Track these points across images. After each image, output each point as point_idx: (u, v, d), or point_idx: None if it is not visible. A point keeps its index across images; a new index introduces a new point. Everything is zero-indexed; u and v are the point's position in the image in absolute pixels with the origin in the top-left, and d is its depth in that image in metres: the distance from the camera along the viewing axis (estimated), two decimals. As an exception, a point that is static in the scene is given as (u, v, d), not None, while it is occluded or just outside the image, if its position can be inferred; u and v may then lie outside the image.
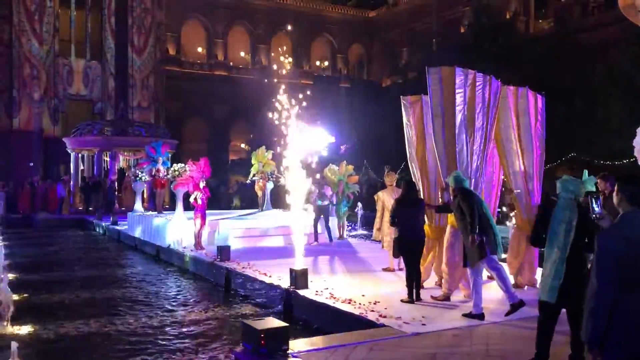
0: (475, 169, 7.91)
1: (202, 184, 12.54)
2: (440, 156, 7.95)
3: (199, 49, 40.68)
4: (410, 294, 7.57)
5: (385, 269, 10.02)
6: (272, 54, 42.16)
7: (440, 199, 8.00)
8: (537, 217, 5.44)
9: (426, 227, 8.43)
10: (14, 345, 5.56)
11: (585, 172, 5.20)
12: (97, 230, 20.33)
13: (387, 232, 9.63)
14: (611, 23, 23.31)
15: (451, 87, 7.91)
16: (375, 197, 10.40)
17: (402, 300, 7.48)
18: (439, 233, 8.33)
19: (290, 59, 43.39)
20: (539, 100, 9.21)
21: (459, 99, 7.86)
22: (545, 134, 9.20)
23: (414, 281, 7.62)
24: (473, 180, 7.80)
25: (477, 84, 7.99)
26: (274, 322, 5.54)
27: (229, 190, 29.18)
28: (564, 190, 4.82)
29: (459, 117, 7.84)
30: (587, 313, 3.11)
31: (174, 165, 15.04)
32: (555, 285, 4.64)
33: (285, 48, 40.73)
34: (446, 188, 7.40)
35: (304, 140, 9.26)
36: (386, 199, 9.77)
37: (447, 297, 7.69)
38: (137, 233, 16.02)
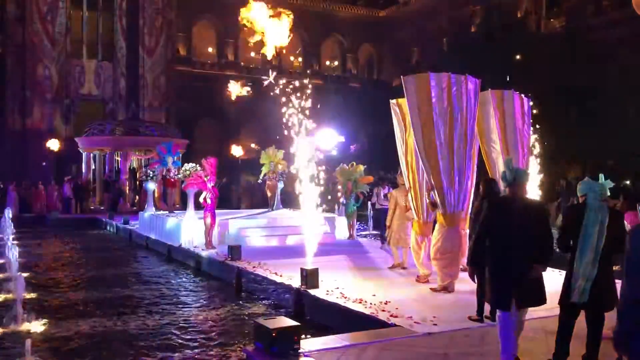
0: (458, 169, 8.17)
1: (210, 184, 12.59)
2: (424, 162, 8.24)
3: (210, 49, 40.81)
4: (480, 311, 6.64)
5: (391, 267, 10.17)
6: (282, 54, 42.18)
7: (427, 200, 8.56)
8: (566, 222, 5.25)
9: (415, 224, 8.97)
10: (27, 343, 5.63)
11: (601, 175, 5.16)
12: (109, 229, 20.47)
13: (395, 229, 9.94)
14: (624, 22, 23.10)
15: (426, 94, 8.12)
16: (389, 196, 10.70)
17: (469, 318, 6.64)
18: (428, 229, 8.70)
19: (300, 59, 43.51)
20: (525, 103, 9.40)
21: (434, 104, 8.07)
22: (530, 135, 9.47)
23: (484, 296, 6.59)
24: (457, 179, 8.14)
25: (453, 86, 8.16)
26: (285, 321, 5.55)
27: (239, 190, 29.24)
28: (591, 191, 4.82)
29: (437, 122, 8.07)
30: (618, 313, 3.15)
31: (185, 164, 15.11)
32: (587, 288, 4.68)
33: (295, 48, 40.80)
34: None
35: (313, 140, 9.28)
36: (399, 198, 9.98)
37: (444, 288, 8.10)
38: (149, 232, 16.11)
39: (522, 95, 9.47)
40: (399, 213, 9.92)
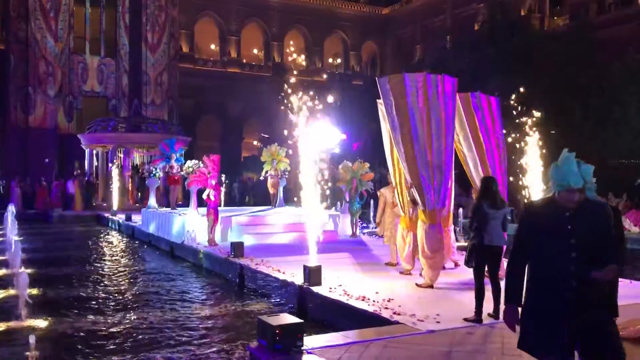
0: (437, 167, 8.39)
1: (213, 181, 12.62)
2: (402, 161, 8.51)
3: (212, 46, 40.81)
4: (478, 311, 6.50)
5: (387, 264, 10.29)
6: (286, 51, 42.22)
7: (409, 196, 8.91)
8: None
9: (403, 219, 9.28)
10: (32, 338, 5.63)
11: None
12: (111, 225, 20.51)
13: (387, 227, 10.20)
14: (629, 20, 23.06)
15: (402, 94, 8.33)
16: (378, 194, 10.91)
17: (465, 319, 6.50)
18: (414, 225, 8.91)
19: (303, 57, 43.49)
20: (492, 102, 9.75)
21: (409, 103, 8.28)
22: (502, 135, 9.78)
23: (483, 296, 6.53)
24: (436, 177, 8.37)
25: (429, 86, 8.38)
26: (288, 318, 5.55)
27: (242, 188, 29.26)
28: (587, 190, 4.76)
29: (413, 122, 8.28)
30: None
31: (188, 162, 15.12)
32: None
33: (298, 45, 40.76)
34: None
35: (316, 138, 9.28)
36: (388, 196, 10.25)
37: (430, 286, 8.26)
38: (151, 229, 16.13)
39: (488, 96, 9.80)
40: (390, 210, 10.22)
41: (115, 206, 22.13)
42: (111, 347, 6.79)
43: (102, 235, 18.42)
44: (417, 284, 8.47)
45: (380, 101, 9.54)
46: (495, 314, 6.57)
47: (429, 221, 8.42)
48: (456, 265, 9.93)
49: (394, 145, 9.13)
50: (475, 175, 9.57)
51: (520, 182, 11.12)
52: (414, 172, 8.41)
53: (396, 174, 9.39)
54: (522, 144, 10.91)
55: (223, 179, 23.20)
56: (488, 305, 6.67)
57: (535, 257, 3.38)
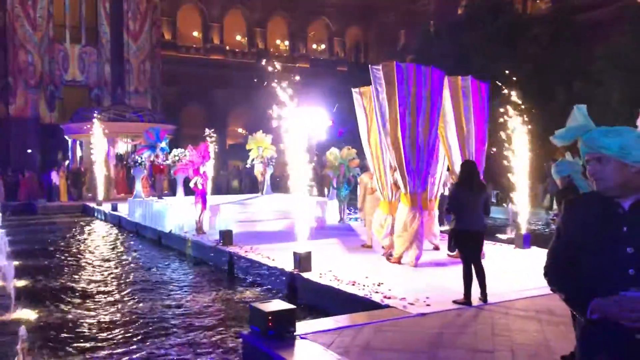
0: (421, 153, 8.74)
1: (202, 169, 12.58)
2: (388, 146, 8.84)
3: (195, 34, 40.38)
4: (467, 293, 6.57)
5: (364, 246, 10.65)
6: (269, 38, 41.91)
7: (391, 180, 9.26)
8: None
9: (382, 203, 9.61)
10: (22, 330, 5.61)
11: (568, 154, 5.14)
12: (97, 216, 20.36)
13: (368, 212, 10.46)
14: (610, 2, 23.19)
15: (392, 82, 8.67)
16: (359, 180, 11.20)
17: (455, 302, 6.57)
18: (393, 208, 9.27)
19: (286, 43, 43.21)
20: (482, 88, 10.02)
21: (400, 92, 8.62)
22: (487, 121, 10.03)
23: (472, 279, 6.59)
24: (418, 162, 8.69)
25: (418, 76, 8.73)
26: (281, 305, 5.58)
27: (227, 176, 29.18)
28: (574, 171, 4.81)
29: (402, 109, 8.61)
30: None
31: (174, 150, 15.04)
32: None
33: (281, 32, 40.42)
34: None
35: (302, 124, 9.28)
36: (368, 182, 10.56)
37: (398, 261, 8.90)
38: (138, 219, 16.04)
39: (479, 81, 9.99)
40: (370, 196, 10.51)
41: (100, 196, 21.95)
42: (102, 337, 6.77)
43: (88, 226, 18.29)
44: (387, 258, 9.17)
45: (356, 90, 10.04)
46: (483, 297, 6.65)
47: (409, 204, 8.78)
48: (436, 248, 10.15)
49: (373, 131, 9.53)
50: (456, 159, 9.86)
51: (505, 163, 11.21)
52: (399, 156, 8.70)
53: (374, 160, 9.71)
54: (505, 127, 10.97)
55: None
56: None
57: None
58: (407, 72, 8.69)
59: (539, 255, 9.76)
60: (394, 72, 8.63)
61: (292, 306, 5.58)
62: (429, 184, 9.50)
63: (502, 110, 10.76)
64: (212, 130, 17.52)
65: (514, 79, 10.85)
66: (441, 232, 10.63)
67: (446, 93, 9.63)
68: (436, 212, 10.48)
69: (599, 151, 2.09)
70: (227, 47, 41.00)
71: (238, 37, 41.66)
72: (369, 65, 9.06)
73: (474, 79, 9.89)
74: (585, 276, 2.12)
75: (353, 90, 10.10)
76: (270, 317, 5.30)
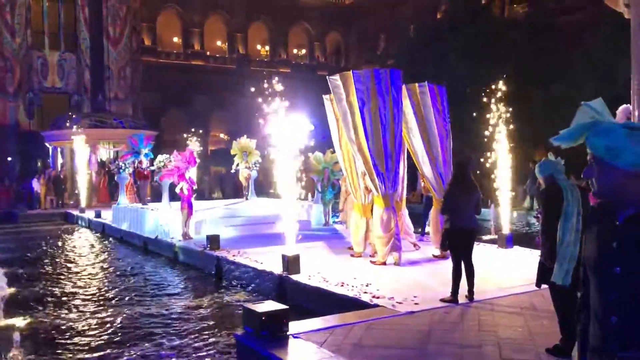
0: (388, 156, 9.03)
1: (187, 174, 12.61)
2: (355, 152, 9.17)
3: (175, 39, 40.29)
4: (454, 292, 6.70)
5: (350, 248, 10.52)
6: (249, 43, 41.96)
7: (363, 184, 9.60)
8: (550, 205, 4.97)
9: (356, 206, 9.99)
10: (16, 335, 5.64)
11: (550, 154, 5.31)
12: (81, 223, 20.22)
13: (349, 213, 10.86)
14: (585, 6, 23.69)
15: (351, 90, 8.99)
16: (341, 182, 11.30)
17: (442, 300, 6.72)
18: (367, 210, 9.65)
19: (267, 48, 43.30)
20: (440, 91, 10.37)
21: (360, 99, 8.92)
22: (449, 124, 10.40)
23: (460, 278, 6.71)
24: (387, 165, 8.97)
25: (376, 81, 9.01)
26: (274, 305, 5.68)
27: (210, 181, 29.12)
28: (556, 171, 4.92)
29: (362, 114, 8.91)
30: None
31: (159, 156, 15.03)
32: (570, 269, 4.66)
33: (262, 36, 40.44)
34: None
35: (285, 128, 9.37)
36: (343, 185, 11.14)
37: (383, 263, 9.03)
38: (123, 225, 15.99)
39: (437, 86, 10.34)
40: (349, 198, 10.92)
41: (83, 203, 21.79)
42: (93, 343, 6.80)
43: (72, 233, 18.15)
44: (371, 262, 9.28)
45: (326, 96, 10.31)
46: (470, 295, 6.82)
47: (382, 205, 9.09)
48: (415, 246, 10.38)
49: (344, 136, 9.77)
50: (422, 162, 10.29)
51: (488, 166, 11.45)
52: (366, 161, 9.04)
53: (346, 164, 10.06)
54: (487, 130, 11.20)
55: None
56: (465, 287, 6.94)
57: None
58: (365, 79, 8.97)
59: (521, 255, 10.01)
60: (351, 80, 8.94)
61: (284, 306, 5.69)
62: (399, 184, 9.83)
63: (475, 114, 11.03)
64: (191, 135, 17.60)
65: (499, 87, 11.06)
66: (425, 233, 10.82)
67: (407, 102, 9.97)
68: (406, 212, 10.60)
69: (591, 151, 1.83)
70: (208, 53, 40.97)
71: (218, 43, 41.66)
72: (327, 77, 9.41)
73: (430, 84, 10.25)
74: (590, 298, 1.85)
75: (324, 96, 10.41)
76: (263, 318, 5.40)
